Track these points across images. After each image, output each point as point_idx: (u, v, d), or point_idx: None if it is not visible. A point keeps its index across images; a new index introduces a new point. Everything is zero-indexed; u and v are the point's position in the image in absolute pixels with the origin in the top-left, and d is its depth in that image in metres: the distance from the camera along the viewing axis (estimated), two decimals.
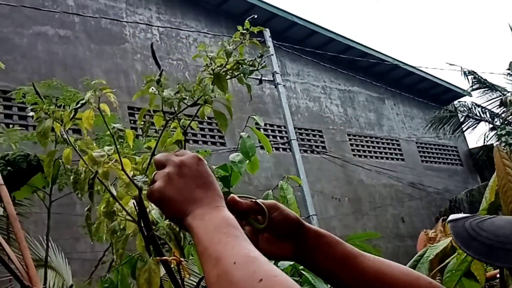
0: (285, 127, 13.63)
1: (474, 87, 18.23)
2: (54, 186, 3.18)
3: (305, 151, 15.26)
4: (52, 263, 5.65)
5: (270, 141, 14.51)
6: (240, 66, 2.26)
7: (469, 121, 18.48)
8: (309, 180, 13.02)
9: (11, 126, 8.54)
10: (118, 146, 2.17)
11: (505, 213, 1.91)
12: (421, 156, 19.38)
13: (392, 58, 18.74)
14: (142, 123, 2.34)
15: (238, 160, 2.57)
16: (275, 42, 13.83)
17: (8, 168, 2.73)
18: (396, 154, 18.48)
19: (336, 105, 17.43)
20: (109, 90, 2.21)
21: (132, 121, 11.48)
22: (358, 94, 18.39)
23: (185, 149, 2.22)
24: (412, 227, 16.59)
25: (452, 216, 1.03)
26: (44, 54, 11.16)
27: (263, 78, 14.28)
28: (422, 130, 19.20)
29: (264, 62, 2.34)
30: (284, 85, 14.13)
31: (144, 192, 2.08)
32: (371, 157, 17.48)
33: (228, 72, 2.28)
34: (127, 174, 2.11)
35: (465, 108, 18.53)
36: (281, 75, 14.03)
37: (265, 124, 14.68)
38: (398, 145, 18.73)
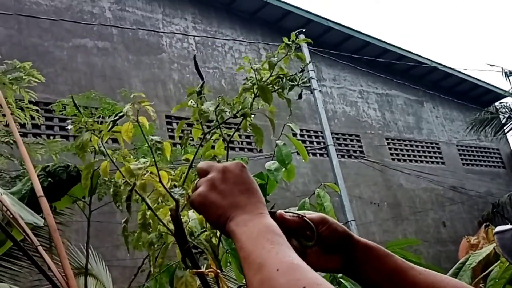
0: (322, 133, 13.57)
1: None
2: (94, 195, 3.24)
3: (343, 156, 15.14)
4: (93, 270, 5.76)
5: (307, 146, 14.51)
6: (280, 81, 2.26)
7: (511, 122, 18.03)
8: (347, 185, 12.92)
9: (52, 137, 8.77)
10: (156, 158, 2.20)
11: None
12: (462, 159, 19.00)
13: (430, 60, 18.46)
14: (181, 135, 2.37)
15: (274, 168, 2.56)
16: (310, 47, 13.80)
17: (49, 179, 2.79)
18: (436, 157, 18.17)
19: (374, 109, 17.26)
20: (147, 102, 2.25)
21: (169, 130, 11.62)
22: (396, 98, 18.17)
23: (227, 160, 2.22)
24: (454, 232, 16.26)
25: (498, 228, 1.00)
26: (84, 66, 11.41)
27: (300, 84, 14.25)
28: (463, 132, 18.83)
29: (305, 77, 2.32)
30: (320, 91, 14.08)
31: (181, 203, 2.10)
32: (410, 161, 17.22)
33: (268, 86, 2.28)
34: (164, 186, 2.13)
35: (507, 110, 18.09)
36: (317, 80, 13.98)
37: (302, 130, 14.64)
38: (438, 148, 18.42)
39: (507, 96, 20.13)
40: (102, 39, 12.02)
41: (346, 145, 15.81)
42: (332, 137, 13.56)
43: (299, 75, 2.31)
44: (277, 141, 2.58)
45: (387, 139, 17.02)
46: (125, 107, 2.19)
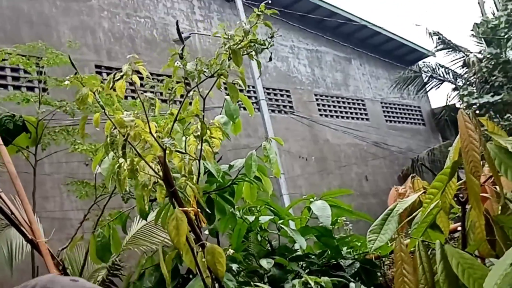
0: (254, 87, 13.72)
1: (438, 47, 18.52)
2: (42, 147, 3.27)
3: (273, 111, 15.42)
4: None
5: (239, 100, 14.65)
6: (253, 45, 2.47)
7: (432, 81, 18.86)
8: None
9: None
10: (148, 112, 2.45)
11: (467, 170, 2.10)
12: (385, 116, 19.75)
13: (360, 18, 18.84)
14: (168, 92, 2.58)
15: (223, 122, 2.72)
16: (244, 1, 13.78)
17: None
18: (361, 114, 18.80)
19: (304, 65, 17.55)
20: (141, 62, 2.50)
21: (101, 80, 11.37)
22: (325, 54, 18.52)
23: (203, 116, 2.47)
24: (375, 185, 17.07)
25: None
26: (9, 11, 10.91)
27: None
28: (387, 90, 19.53)
29: (273, 41, 2.61)
30: None
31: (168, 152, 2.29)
32: (337, 117, 17.75)
33: (241, 50, 2.51)
34: (153, 137, 2.44)
35: (429, 69, 18.88)
36: None
37: (234, 84, 14.71)
38: (364, 105, 19.04)
39: (430, 56, 20.97)
40: None
41: (276, 100, 16.07)
42: (264, 92, 13.75)
43: (268, 40, 2.55)
44: (226, 97, 2.73)
45: (315, 95, 17.42)
46: (124, 66, 2.40)
